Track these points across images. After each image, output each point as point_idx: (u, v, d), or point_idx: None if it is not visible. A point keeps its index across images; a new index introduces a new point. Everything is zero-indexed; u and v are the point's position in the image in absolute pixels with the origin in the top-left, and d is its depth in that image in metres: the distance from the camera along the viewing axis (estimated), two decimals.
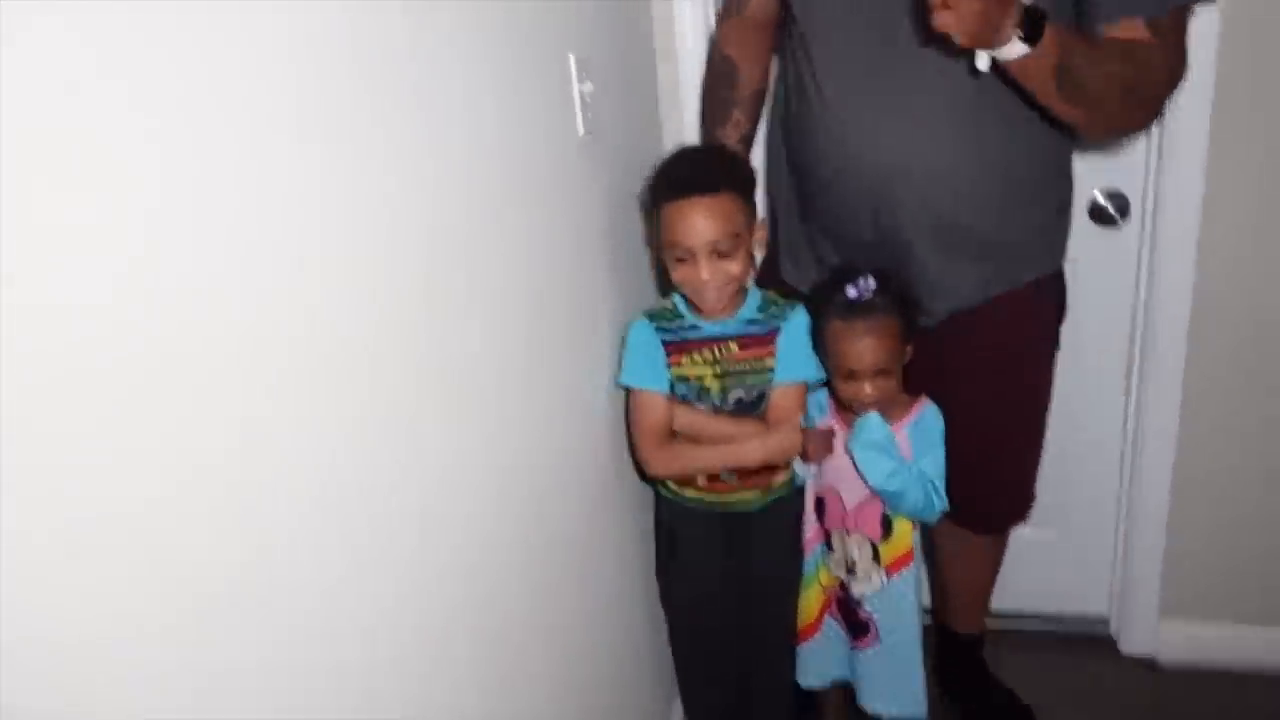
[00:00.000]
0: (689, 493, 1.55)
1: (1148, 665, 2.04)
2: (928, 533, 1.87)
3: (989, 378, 1.57)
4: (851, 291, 1.42)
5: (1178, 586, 2.00)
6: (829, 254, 1.56)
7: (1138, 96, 1.26)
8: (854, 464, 1.49)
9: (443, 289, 0.96)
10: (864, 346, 1.42)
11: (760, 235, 1.45)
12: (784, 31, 1.57)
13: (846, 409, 1.52)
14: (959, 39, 1.11)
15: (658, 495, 1.60)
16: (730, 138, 1.65)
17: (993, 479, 1.69)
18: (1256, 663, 1.96)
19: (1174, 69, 1.27)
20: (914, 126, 1.38)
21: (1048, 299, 1.57)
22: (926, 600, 1.98)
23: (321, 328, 0.75)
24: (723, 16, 1.65)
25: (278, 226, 0.70)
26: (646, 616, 1.69)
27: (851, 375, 1.45)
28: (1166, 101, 1.33)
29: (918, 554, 1.59)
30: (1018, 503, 1.74)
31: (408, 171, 0.89)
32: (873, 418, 1.46)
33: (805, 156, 1.51)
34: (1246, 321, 1.79)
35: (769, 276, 1.67)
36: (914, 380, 1.52)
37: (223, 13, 0.64)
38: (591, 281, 1.44)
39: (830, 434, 1.53)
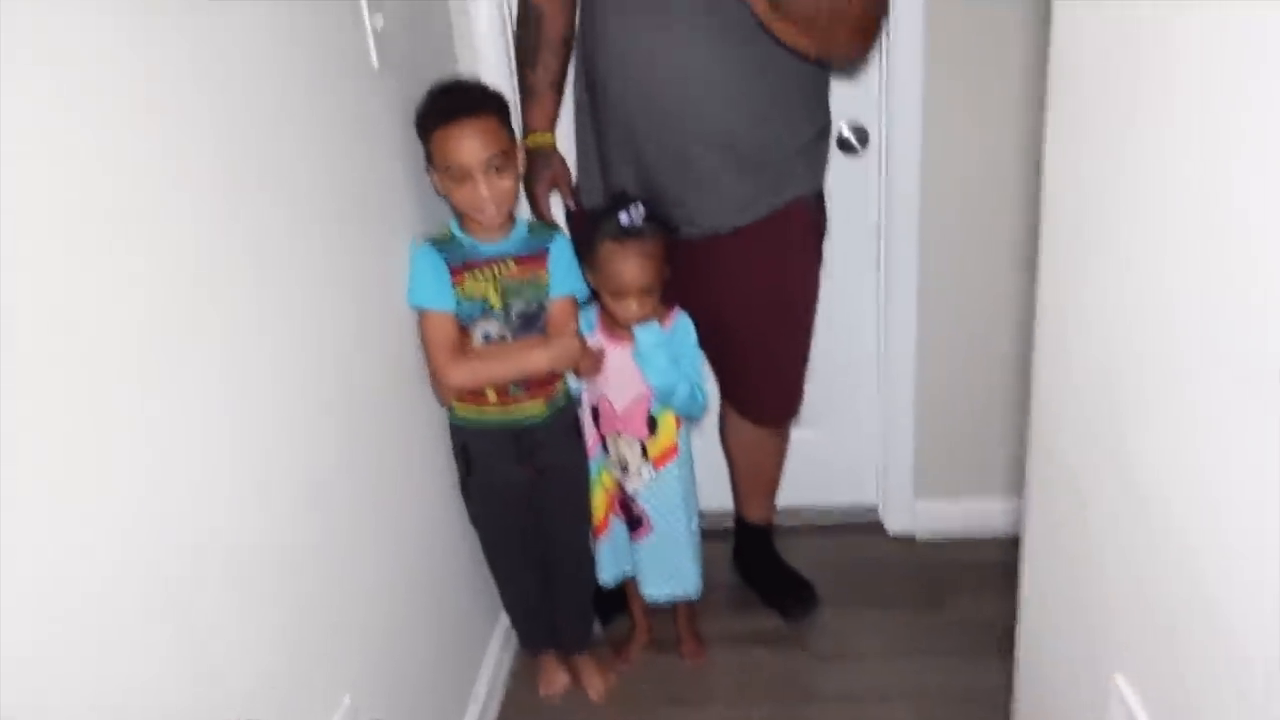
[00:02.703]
0: (478, 412, 1.68)
1: (908, 541, 2.35)
2: (722, 435, 2.11)
3: (760, 288, 1.79)
4: (624, 218, 1.60)
5: (928, 472, 2.31)
6: (618, 175, 1.73)
7: (848, 23, 1.48)
8: (625, 372, 1.69)
9: (241, 211, 1.07)
10: (633, 267, 1.61)
11: (521, 156, 1.61)
12: None
13: (613, 326, 1.70)
14: None
15: (452, 424, 1.72)
16: (541, 80, 1.82)
17: (767, 378, 1.93)
18: (996, 528, 2.26)
19: (868, 2, 1.49)
20: (688, 50, 1.58)
21: (811, 216, 1.80)
22: (723, 503, 2.22)
23: (134, 251, 0.86)
24: None
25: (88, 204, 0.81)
26: (464, 538, 1.83)
27: (621, 293, 1.63)
28: (875, 30, 1.57)
29: (685, 451, 1.80)
30: (790, 398, 1.98)
31: (206, 106, 1.00)
32: (651, 327, 1.65)
33: (597, 86, 1.69)
34: (967, 227, 2.07)
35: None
36: (690, 287, 1.73)
37: None
38: (391, 202, 1.56)
39: (600, 353, 1.71)
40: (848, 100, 2.00)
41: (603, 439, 1.79)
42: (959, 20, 1.91)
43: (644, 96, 1.62)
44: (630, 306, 1.63)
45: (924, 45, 1.93)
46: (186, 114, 0.97)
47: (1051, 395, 1.18)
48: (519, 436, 1.70)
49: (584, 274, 1.68)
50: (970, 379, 2.20)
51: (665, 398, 1.70)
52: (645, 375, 1.67)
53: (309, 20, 1.29)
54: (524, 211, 1.86)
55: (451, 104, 1.53)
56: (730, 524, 2.26)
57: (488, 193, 1.52)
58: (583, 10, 1.74)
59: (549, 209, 1.88)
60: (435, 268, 1.58)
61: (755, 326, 1.82)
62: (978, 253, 2.09)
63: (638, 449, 1.75)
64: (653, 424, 1.74)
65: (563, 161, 1.89)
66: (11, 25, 0.72)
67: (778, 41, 1.51)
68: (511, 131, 1.59)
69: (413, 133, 1.60)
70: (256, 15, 1.14)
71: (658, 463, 1.76)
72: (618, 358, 1.70)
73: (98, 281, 0.82)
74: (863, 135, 2.06)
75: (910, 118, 1.99)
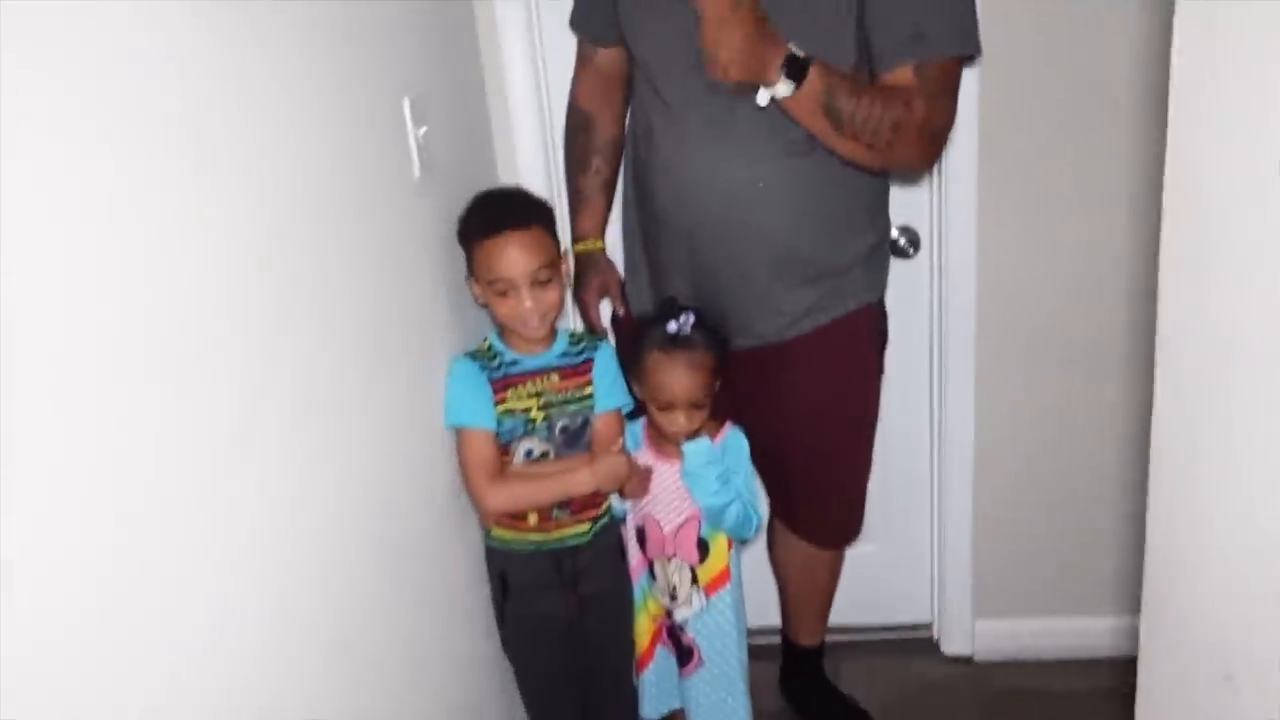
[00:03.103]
0: (518, 535, 1.57)
1: (966, 663, 2.20)
2: (772, 551, 1.99)
3: (819, 401, 1.68)
4: (672, 326, 1.52)
5: (987, 590, 2.17)
6: (669, 283, 1.65)
7: (910, 134, 1.41)
8: (674, 491, 1.58)
9: (281, 323, 1.00)
10: (682, 378, 1.52)
11: (566, 266, 1.54)
12: (633, 83, 1.67)
13: (661, 441, 1.61)
14: (734, 72, 1.28)
15: (489, 547, 1.61)
16: (592, 185, 1.77)
17: (826, 497, 1.81)
18: (1058, 650, 2.14)
19: (933, 111, 1.42)
20: (747, 160, 1.51)
21: (872, 326, 1.70)
22: (770, 620, 2.09)
23: (167, 362, 0.80)
24: (578, 70, 1.76)
25: (121, 278, 0.75)
26: (495, 666, 1.70)
27: (669, 406, 1.54)
28: (940, 141, 1.49)
29: (736, 576, 1.68)
30: (852, 520, 1.86)
31: (244, 214, 0.94)
32: (701, 443, 1.55)
33: (650, 193, 1.62)
34: (1025, 333, 1.98)
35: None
36: (744, 400, 1.64)
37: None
38: (430, 315, 1.49)
39: (648, 472, 1.61)
40: (897, 203, 1.93)
41: (649, 563, 1.67)
42: (1012, 118, 1.85)
43: (699, 206, 1.55)
44: (678, 420, 1.54)
45: (977, 144, 1.86)
46: (227, 222, 0.91)
47: (1172, 522, 1.05)
48: (560, 559, 1.59)
49: (630, 385, 1.59)
50: (1031, 491, 2.09)
51: (715, 519, 1.59)
52: (694, 495, 1.57)
53: (353, 129, 1.24)
54: (565, 320, 1.78)
55: (497, 215, 1.47)
56: (773, 639, 2.11)
57: (532, 305, 1.45)
58: (634, 114, 1.69)
59: (599, 317, 1.81)
60: (475, 384, 1.49)
61: (813, 442, 1.71)
62: (1037, 360, 2.00)
63: (688, 575, 1.63)
64: (704, 548, 1.62)
65: (613, 267, 1.82)
66: (45, 183, 0.67)
67: (844, 158, 1.45)
68: (558, 241, 1.52)
69: (452, 241, 1.53)
70: (302, 124, 1.09)
71: (709, 590, 1.63)
72: (666, 475, 1.60)
73: (127, 389, 0.75)
74: (914, 238, 1.99)
75: (964, 220, 1.92)
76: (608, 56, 1.70)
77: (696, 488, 1.56)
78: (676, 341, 1.52)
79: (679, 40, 1.49)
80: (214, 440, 0.86)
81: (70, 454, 0.68)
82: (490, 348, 1.54)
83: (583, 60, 1.74)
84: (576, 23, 1.72)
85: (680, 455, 1.57)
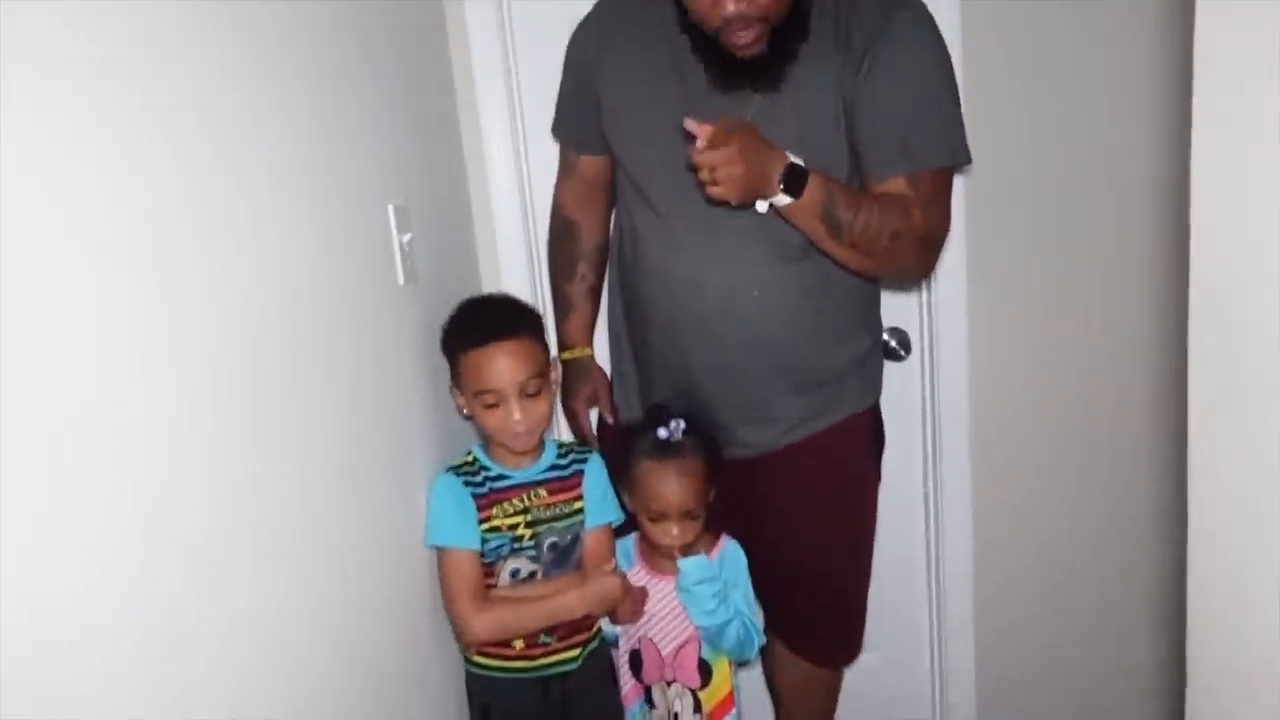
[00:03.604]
0: (503, 663, 1.47)
1: None
2: (768, 669, 1.88)
3: (815, 510, 1.61)
4: (663, 432, 1.46)
5: (993, 708, 2.07)
6: (658, 390, 1.60)
7: (907, 242, 1.39)
8: (671, 609, 1.50)
9: (259, 433, 0.95)
10: (673, 486, 1.45)
11: (554, 375, 1.48)
12: (617, 187, 1.64)
13: (655, 557, 1.53)
14: (734, 201, 1.26)
15: (469, 673, 1.51)
16: (578, 292, 1.73)
17: (824, 613, 1.72)
18: None
19: (930, 220, 1.41)
20: (738, 266, 1.47)
21: (868, 432, 1.65)
22: None
23: (131, 477, 0.74)
24: (560, 177, 1.73)
25: (88, 384, 0.70)
26: None
27: (661, 516, 1.47)
28: (937, 249, 1.47)
29: (738, 699, 1.58)
30: (851, 638, 1.76)
31: (220, 321, 0.89)
32: (698, 560, 1.47)
33: (638, 298, 1.58)
34: (1022, 438, 1.95)
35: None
36: (737, 510, 1.57)
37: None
38: (412, 427, 1.42)
39: (642, 594, 1.53)
40: (886, 305, 1.89)
41: (646, 689, 1.57)
42: (1001, 217, 1.85)
43: (690, 313, 1.51)
44: (671, 531, 1.47)
45: (965, 243, 1.86)
46: (204, 331, 0.86)
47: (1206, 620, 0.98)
48: (548, 687, 1.48)
49: (620, 496, 1.52)
50: (1035, 599, 2.02)
51: (713, 639, 1.50)
52: (691, 614, 1.48)
53: (336, 236, 1.20)
54: (552, 431, 1.71)
55: (484, 323, 1.41)
56: None
57: (521, 417, 1.39)
58: (620, 219, 1.66)
59: (589, 426, 1.74)
60: (459, 501, 1.41)
61: (811, 554, 1.63)
62: (1037, 462, 1.96)
63: (690, 701, 1.52)
64: (706, 670, 1.52)
65: (603, 374, 1.77)
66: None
67: (840, 264, 1.43)
68: (547, 350, 1.47)
69: (436, 350, 1.47)
70: (283, 232, 1.04)
71: (713, 718, 1.53)
72: (662, 593, 1.51)
73: (83, 505, 0.69)
74: (904, 340, 1.96)
75: (955, 320, 1.91)
76: (591, 163, 1.68)
77: (693, 606, 1.48)
78: (667, 449, 1.46)
79: (665, 145, 1.47)
80: (177, 562, 0.79)
81: (19, 575, 0.61)
82: (475, 461, 1.46)
83: (566, 167, 1.72)
84: (559, 130, 1.70)
85: (676, 570, 1.48)
